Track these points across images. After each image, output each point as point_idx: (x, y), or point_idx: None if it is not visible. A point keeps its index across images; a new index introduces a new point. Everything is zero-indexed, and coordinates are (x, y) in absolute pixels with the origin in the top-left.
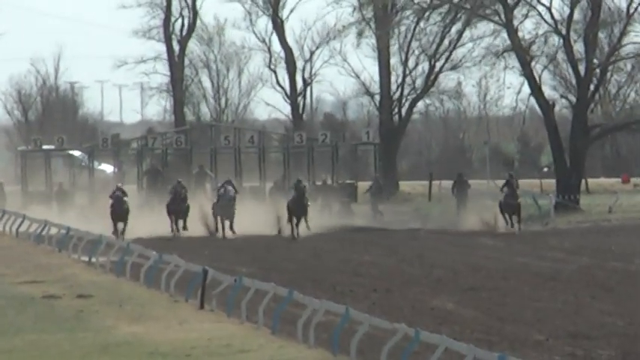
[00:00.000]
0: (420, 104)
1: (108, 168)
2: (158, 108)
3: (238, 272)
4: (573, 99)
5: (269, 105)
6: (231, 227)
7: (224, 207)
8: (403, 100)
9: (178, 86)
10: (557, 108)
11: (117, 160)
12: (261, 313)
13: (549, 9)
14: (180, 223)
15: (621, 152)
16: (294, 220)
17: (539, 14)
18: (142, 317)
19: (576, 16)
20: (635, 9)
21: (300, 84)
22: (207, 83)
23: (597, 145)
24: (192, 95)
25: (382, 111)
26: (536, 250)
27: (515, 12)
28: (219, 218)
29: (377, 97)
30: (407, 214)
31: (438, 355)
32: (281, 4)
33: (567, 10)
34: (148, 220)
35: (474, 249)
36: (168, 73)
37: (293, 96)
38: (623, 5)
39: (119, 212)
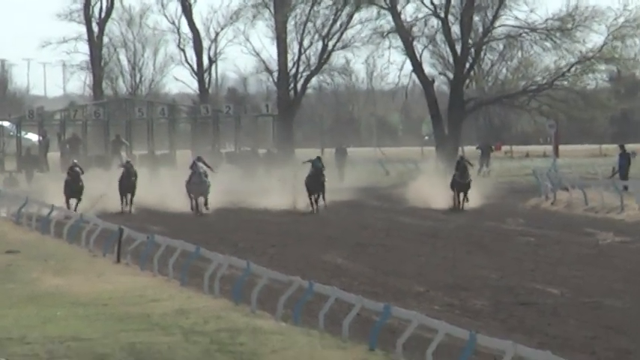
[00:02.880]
0: (314, 80)
1: (33, 137)
2: (79, 83)
3: (151, 231)
4: (451, 75)
5: (178, 80)
6: (205, 204)
7: (196, 184)
8: (299, 77)
9: (97, 64)
10: (436, 83)
11: (41, 130)
12: (171, 267)
13: None
14: (128, 198)
15: (494, 123)
16: (314, 196)
17: None
18: (64, 271)
19: (453, 1)
20: None
21: (206, 62)
22: (124, 61)
23: (472, 116)
24: (110, 72)
25: (280, 86)
26: (419, 211)
27: None
28: (192, 195)
29: (275, 74)
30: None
31: (329, 305)
32: None
33: None
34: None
35: (360, 208)
36: (88, 52)
37: (200, 72)
38: None
39: (73, 189)
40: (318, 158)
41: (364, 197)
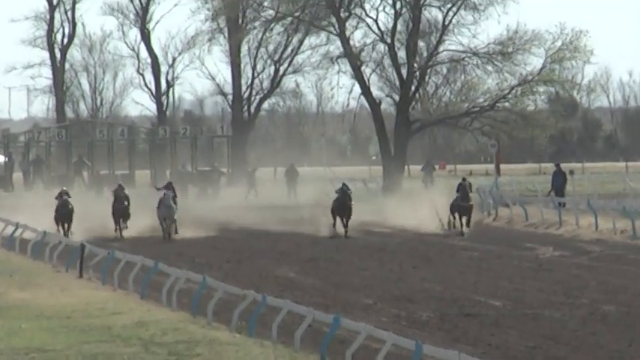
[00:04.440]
0: (267, 103)
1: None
2: (42, 106)
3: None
4: (397, 98)
5: (138, 103)
6: (175, 230)
7: (164, 208)
8: (252, 99)
9: (60, 88)
10: (383, 105)
11: (7, 151)
12: (131, 281)
13: (376, 21)
14: (120, 223)
15: (438, 143)
16: (343, 221)
17: (368, 26)
18: (29, 285)
19: (399, 27)
20: (450, 21)
21: (164, 85)
22: (85, 85)
23: (418, 137)
24: (72, 95)
25: (234, 108)
26: (366, 227)
27: (347, 24)
28: (161, 220)
29: (229, 97)
30: (255, 198)
31: (282, 317)
32: (148, 17)
33: (392, 22)
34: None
35: (311, 224)
36: (51, 77)
37: (158, 96)
38: (440, 18)
39: (64, 214)
40: (344, 184)
41: (314, 214)
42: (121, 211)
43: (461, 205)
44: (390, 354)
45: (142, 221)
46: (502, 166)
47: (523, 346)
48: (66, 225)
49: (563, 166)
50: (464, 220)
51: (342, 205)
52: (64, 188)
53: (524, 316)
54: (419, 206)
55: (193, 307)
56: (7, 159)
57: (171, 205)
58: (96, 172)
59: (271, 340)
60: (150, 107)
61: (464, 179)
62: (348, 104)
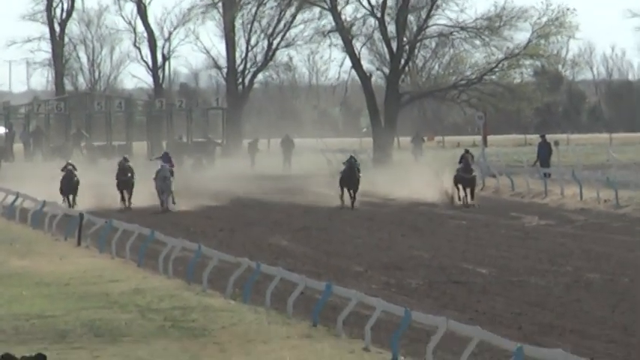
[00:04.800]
0: (260, 76)
1: (0, 129)
2: (42, 79)
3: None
4: (387, 71)
5: (134, 76)
6: (172, 201)
7: (160, 180)
8: (246, 72)
9: (59, 61)
10: (373, 79)
11: (7, 123)
12: (128, 249)
13: None
14: (125, 195)
15: (427, 115)
16: (351, 192)
17: (359, 0)
18: (29, 253)
19: (389, 1)
20: None
21: (160, 59)
22: (84, 59)
23: (407, 109)
24: (71, 68)
25: (229, 81)
26: (358, 196)
27: None
28: (159, 190)
29: (224, 70)
30: (248, 167)
31: (275, 284)
32: None
33: None
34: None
35: (304, 194)
36: (51, 51)
37: (154, 69)
38: None
39: (69, 185)
40: (352, 157)
41: (308, 184)
42: (125, 183)
43: (464, 177)
44: (380, 320)
45: (139, 191)
46: (489, 138)
47: (509, 313)
48: (71, 196)
49: (549, 137)
50: (468, 191)
51: (349, 177)
52: (70, 161)
53: (511, 284)
54: (409, 177)
55: (189, 275)
56: (7, 130)
57: (167, 176)
58: (89, 143)
59: (265, 306)
60: (146, 80)
61: (466, 151)
62: (339, 77)
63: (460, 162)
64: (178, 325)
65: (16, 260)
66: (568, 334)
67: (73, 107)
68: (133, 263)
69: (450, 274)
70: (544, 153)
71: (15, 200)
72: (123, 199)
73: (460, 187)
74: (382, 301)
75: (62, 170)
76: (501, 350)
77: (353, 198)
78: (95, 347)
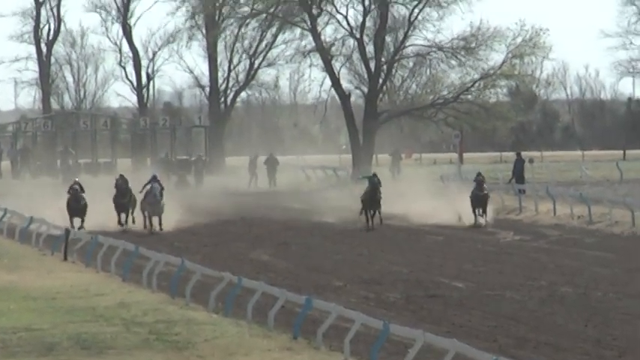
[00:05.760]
0: (243, 94)
1: None
2: (29, 98)
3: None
4: (365, 90)
5: (119, 95)
6: (159, 223)
7: (151, 204)
8: (228, 91)
9: (45, 80)
10: (352, 97)
11: None
12: (113, 264)
13: (346, 17)
14: (123, 217)
15: (404, 133)
16: (370, 212)
17: (338, 22)
18: (16, 268)
19: (368, 23)
20: (416, 17)
21: (144, 78)
22: (69, 78)
23: (385, 127)
24: (57, 87)
25: (211, 100)
26: (336, 212)
27: (319, 20)
28: (146, 214)
29: (207, 89)
30: (233, 184)
31: (256, 298)
32: (129, 13)
33: (361, 19)
34: (23, 190)
35: (285, 211)
36: (38, 70)
37: (139, 88)
38: (406, 14)
39: (75, 208)
40: (375, 175)
41: (289, 200)
42: (122, 206)
43: (477, 194)
44: (359, 333)
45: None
46: (465, 155)
47: (485, 326)
48: (79, 220)
49: (524, 154)
50: (480, 210)
51: (371, 198)
52: (77, 179)
53: (487, 297)
54: (388, 192)
55: (172, 289)
56: None
57: (157, 200)
58: (74, 161)
59: (246, 319)
60: (131, 99)
61: (479, 174)
62: (319, 96)
63: (475, 181)
64: (162, 338)
65: (4, 275)
66: (542, 347)
67: (59, 125)
68: (118, 278)
69: (428, 289)
70: (519, 170)
71: (3, 216)
72: (120, 222)
73: (474, 206)
74: (361, 314)
75: (68, 192)
76: None
77: (373, 217)
78: (81, 359)
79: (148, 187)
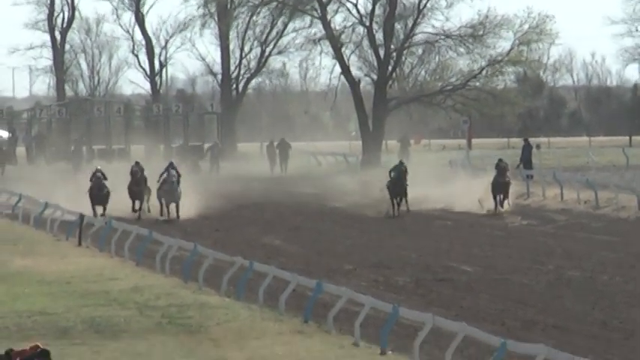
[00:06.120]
0: (254, 81)
1: (3, 133)
2: (44, 86)
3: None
4: (375, 77)
5: (133, 82)
6: (177, 211)
7: (167, 192)
8: (240, 79)
9: (60, 68)
10: (362, 84)
11: (10, 127)
12: (127, 249)
13: (355, 5)
14: (137, 204)
15: (413, 120)
16: (397, 199)
17: (348, 10)
18: (31, 253)
19: (377, 10)
20: (425, 5)
21: (157, 66)
22: (84, 65)
23: (394, 114)
24: (71, 75)
25: (223, 87)
26: (346, 197)
27: (329, 8)
28: (163, 201)
29: (219, 76)
30: (245, 169)
31: (268, 282)
32: (142, 1)
33: (370, 6)
34: (38, 175)
35: (296, 196)
36: (52, 58)
37: (152, 75)
38: (415, 2)
39: (98, 196)
40: (401, 162)
41: (300, 185)
42: (137, 194)
43: (499, 181)
44: (368, 316)
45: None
46: (473, 141)
47: (493, 309)
48: (101, 207)
49: (531, 140)
50: (500, 197)
51: (397, 185)
52: (99, 167)
53: (494, 281)
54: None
55: (185, 273)
56: (10, 135)
57: (174, 187)
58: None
59: (258, 303)
60: (144, 86)
61: (501, 160)
62: (329, 83)
63: (496, 168)
64: (175, 321)
65: (19, 259)
66: (550, 330)
67: (73, 112)
68: (132, 262)
69: (436, 273)
70: (527, 155)
71: (18, 202)
72: (134, 209)
73: (495, 193)
74: (371, 298)
75: (90, 180)
76: (486, 345)
77: (399, 204)
78: (95, 343)
79: (165, 174)
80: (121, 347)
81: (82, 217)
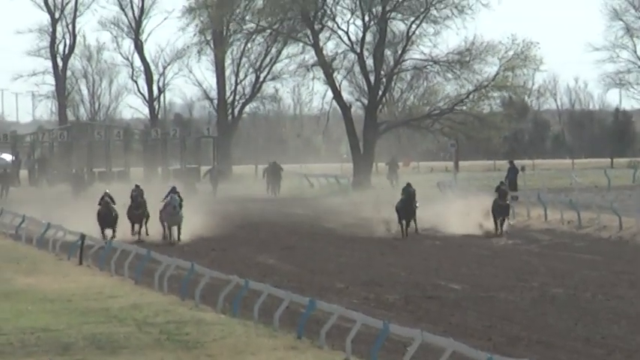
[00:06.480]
0: (249, 106)
1: (7, 156)
2: (46, 110)
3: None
4: (365, 102)
5: (132, 107)
6: (178, 234)
7: (170, 215)
8: (235, 103)
9: (61, 93)
10: (353, 109)
11: (14, 151)
12: (126, 267)
13: (347, 33)
14: (137, 227)
15: (402, 142)
16: (404, 222)
17: (339, 37)
18: (34, 272)
19: (368, 38)
20: (413, 32)
21: (156, 91)
22: (84, 91)
23: (384, 137)
24: (73, 100)
25: (219, 111)
26: (338, 217)
27: (321, 35)
28: (165, 225)
29: (215, 101)
30: (240, 191)
31: (262, 299)
32: (141, 30)
33: (361, 34)
34: (40, 197)
35: (288, 216)
36: (54, 83)
37: (150, 100)
38: (404, 30)
39: (107, 219)
40: (409, 185)
41: (294, 206)
42: (137, 217)
43: (500, 204)
44: (360, 333)
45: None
46: (460, 163)
47: (480, 325)
48: (110, 231)
49: (516, 162)
50: (501, 220)
51: (406, 207)
52: (107, 191)
53: (481, 298)
54: (386, 199)
55: (182, 291)
56: (14, 158)
57: (177, 211)
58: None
59: (253, 320)
60: (143, 111)
61: (502, 183)
62: (322, 108)
63: (496, 191)
64: (173, 338)
65: (23, 278)
66: (534, 345)
67: (75, 136)
68: (131, 281)
69: (425, 290)
70: (512, 177)
71: (22, 222)
72: (133, 232)
73: (496, 216)
74: (362, 314)
75: (99, 204)
76: None
77: (407, 227)
78: (96, 359)
79: (168, 198)
80: None
81: (83, 237)
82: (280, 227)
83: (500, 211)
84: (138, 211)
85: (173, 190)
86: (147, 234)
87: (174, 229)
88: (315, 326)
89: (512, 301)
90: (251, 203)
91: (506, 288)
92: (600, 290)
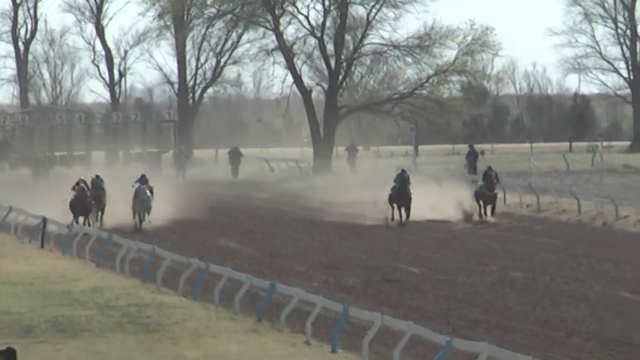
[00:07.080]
0: (209, 90)
1: None
2: (7, 94)
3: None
4: (326, 86)
5: (93, 92)
6: (148, 220)
7: (140, 202)
8: (196, 88)
9: (23, 77)
10: (314, 93)
11: None
12: (87, 251)
13: (307, 17)
14: (90, 217)
15: (363, 127)
16: (400, 210)
17: (300, 22)
18: None
19: (328, 22)
20: (374, 17)
21: (117, 75)
22: (46, 75)
23: (344, 121)
24: (34, 84)
25: (180, 96)
26: (298, 201)
27: (281, 20)
28: (135, 211)
29: (176, 86)
30: (201, 175)
31: (223, 283)
32: (102, 14)
33: (321, 18)
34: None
35: (249, 200)
36: (16, 68)
37: (112, 85)
38: (364, 14)
39: (80, 207)
40: (403, 171)
41: (254, 191)
42: (98, 207)
43: (486, 194)
44: (320, 316)
45: (121, 210)
46: (420, 148)
47: (439, 309)
48: (82, 218)
49: (476, 147)
50: (488, 208)
51: (400, 194)
52: (82, 177)
53: (440, 282)
54: (346, 183)
55: (144, 274)
56: None
57: (146, 199)
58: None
59: (214, 303)
60: (104, 95)
61: (490, 168)
62: (282, 92)
63: (484, 179)
64: (134, 320)
65: None
66: (493, 329)
67: (36, 120)
68: (93, 264)
69: (385, 274)
70: (471, 161)
71: None
72: (94, 219)
73: (481, 203)
74: (322, 298)
75: (73, 189)
76: (432, 343)
77: (404, 215)
78: (58, 341)
79: (136, 186)
80: (82, 345)
81: (44, 220)
82: (241, 211)
83: (486, 200)
84: (88, 201)
85: (142, 179)
86: (101, 224)
87: (145, 215)
88: (276, 309)
89: (471, 284)
90: (212, 187)
91: (466, 271)
92: (559, 273)
